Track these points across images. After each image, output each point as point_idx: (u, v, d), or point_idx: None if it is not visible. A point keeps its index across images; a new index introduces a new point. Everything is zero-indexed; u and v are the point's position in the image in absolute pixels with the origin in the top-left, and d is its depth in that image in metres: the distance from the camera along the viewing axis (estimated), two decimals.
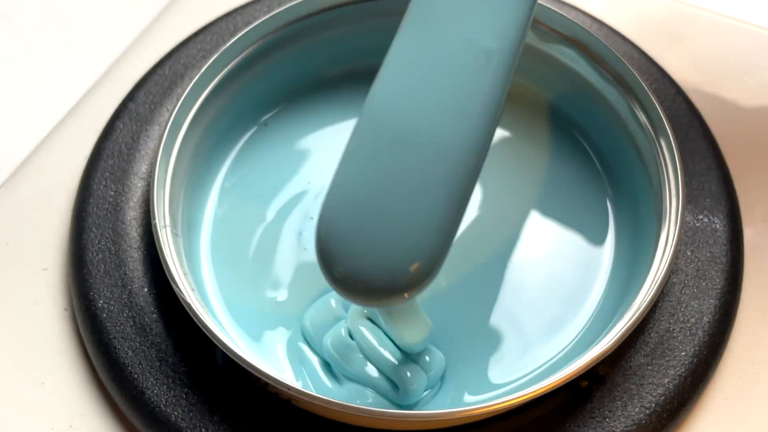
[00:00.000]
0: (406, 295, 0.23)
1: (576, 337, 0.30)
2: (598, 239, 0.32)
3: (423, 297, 0.26)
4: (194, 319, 0.26)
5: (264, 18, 0.33)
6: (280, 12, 0.34)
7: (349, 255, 0.23)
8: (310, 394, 0.25)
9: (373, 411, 0.25)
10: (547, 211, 0.33)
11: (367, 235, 0.23)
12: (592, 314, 0.30)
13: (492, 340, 0.30)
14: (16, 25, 0.42)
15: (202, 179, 0.33)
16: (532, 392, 0.25)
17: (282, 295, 0.31)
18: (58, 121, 0.36)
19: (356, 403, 0.25)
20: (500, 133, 0.35)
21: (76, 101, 0.37)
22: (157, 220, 0.28)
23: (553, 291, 0.31)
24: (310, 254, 0.32)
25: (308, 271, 0.31)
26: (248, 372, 0.25)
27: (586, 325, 0.30)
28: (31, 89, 0.42)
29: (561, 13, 0.33)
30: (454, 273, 0.31)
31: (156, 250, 0.28)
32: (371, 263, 0.23)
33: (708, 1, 0.40)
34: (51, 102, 0.38)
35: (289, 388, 0.25)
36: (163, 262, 0.27)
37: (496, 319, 0.30)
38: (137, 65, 0.37)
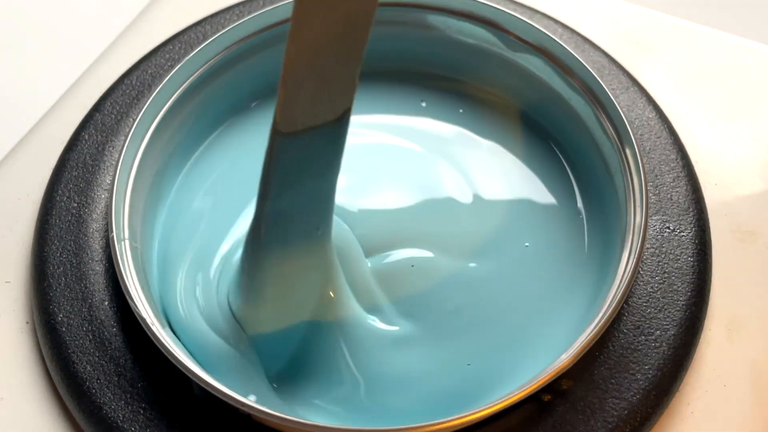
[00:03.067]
0: None
1: (543, 348, 0.29)
2: (568, 249, 0.32)
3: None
4: (147, 332, 0.26)
5: (230, 26, 0.33)
6: (246, 20, 0.33)
7: None
8: (265, 411, 0.25)
9: (329, 428, 0.24)
10: (518, 222, 0.33)
11: None
12: (560, 325, 0.30)
13: (456, 348, 0.30)
14: None
15: (167, 190, 0.33)
16: (492, 406, 0.25)
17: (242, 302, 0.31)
18: (26, 132, 0.36)
19: (312, 420, 0.25)
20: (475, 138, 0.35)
21: (44, 112, 0.36)
22: (115, 233, 0.28)
23: (520, 302, 0.30)
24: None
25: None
26: (205, 387, 0.25)
27: (553, 336, 0.29)
28: None
29: (528, 21, 0.32)
30: (422, 281, 0.31)
31: None
32: None
33: (680, 10, 0.39)
34: (18, 112, 0.38)
35: (243, 404, 0.24)
36: (119, 276, 0.27)
37: (461, 329, 0.30)
38: (105, 75, 0.37)
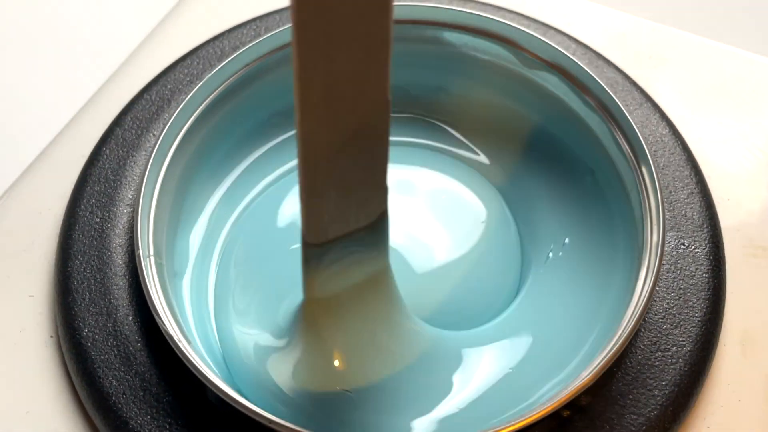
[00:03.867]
0: None
1: (556, 367, 0.30)
2: (580, 263, 0.32)
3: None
4: (175, 349, 0.26)
5: (251, 44, 0.34)
6: (267, 38, 0.34)
7: None
8: (292, 428, 0.25)
9: None
10: (530, 238, 0.33)
11: None
12: (575, 343, 0.30)
13: (476, 369, 0.30)
14: (4, 51, 0.43)
15: (190, 206, 0.33)
16: (514, 424, 0.26)
17: (270, 319, 0.31)
18: (46, 146, 0.36)
19: None
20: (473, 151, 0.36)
21: (63, 126, 0.37)
22: (140, 250, 0.29)
23: (531, 320, 0.31)
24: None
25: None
26: (231, 403, 0.25)
27: (566, 354, 0.30)
28: (18, 114, 0.42)
29: (543, 39, 0.33)
30: (439, 298, 0.31)
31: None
32: None
33: (692, 25, 0.40)
34: (38, 127, 0.38)
35: (270, 421, 0.25)
36: (145, 293, 0.27)
37: (479, 346, 0.30)
38: (124, 90, 0.37)
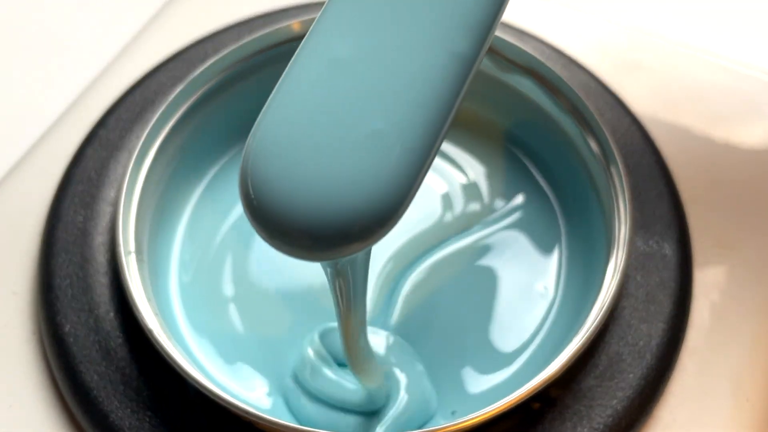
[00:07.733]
0: (358, 245, 0.20)
1: (527, 360, 0.31)
2: (549, 264, 0.33)
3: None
4: (154, 343, 0.27)
5: (233, 47, 0.34)
6: (249, 41, 0.35)
7: (288, 183, 0.20)
8: (268, 419, 0.26)
9: None
10: (499, 240, 0.34)
11: (312, 162, 0.20)
12: (543, 338, 0.31)
13: (443, 368, 0.31)
14: None
15: (171, 205, 0.34)
16: (483, 414, 0.26)
17: (249, 318, 0.32)
18: (30, 147, 0.37)
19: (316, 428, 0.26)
20: (451, 156, 0.37)
21: (48, 127, 0.37)
22: (121, 247, 0.29)
23: (504, 315, 0.32)
24: (283, 279, 0.33)
25: (281, 295, 0.32)
26: (209, 396, 0.26)
27: (536, 348, 0.31)
28: (2, 115, 0.43)
29: (518, 45, 0.34)
30: (405, 303, 0.32)
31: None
32: (317, 196, 0.19)
33: (665, 31, 0.41)
34: (23, 127, 0.39)
35: (247, 412, 0.26)
36: (125, 289, 0.28)
37: (447, 348, 0.31)
38: (108, 92, 0.38)
